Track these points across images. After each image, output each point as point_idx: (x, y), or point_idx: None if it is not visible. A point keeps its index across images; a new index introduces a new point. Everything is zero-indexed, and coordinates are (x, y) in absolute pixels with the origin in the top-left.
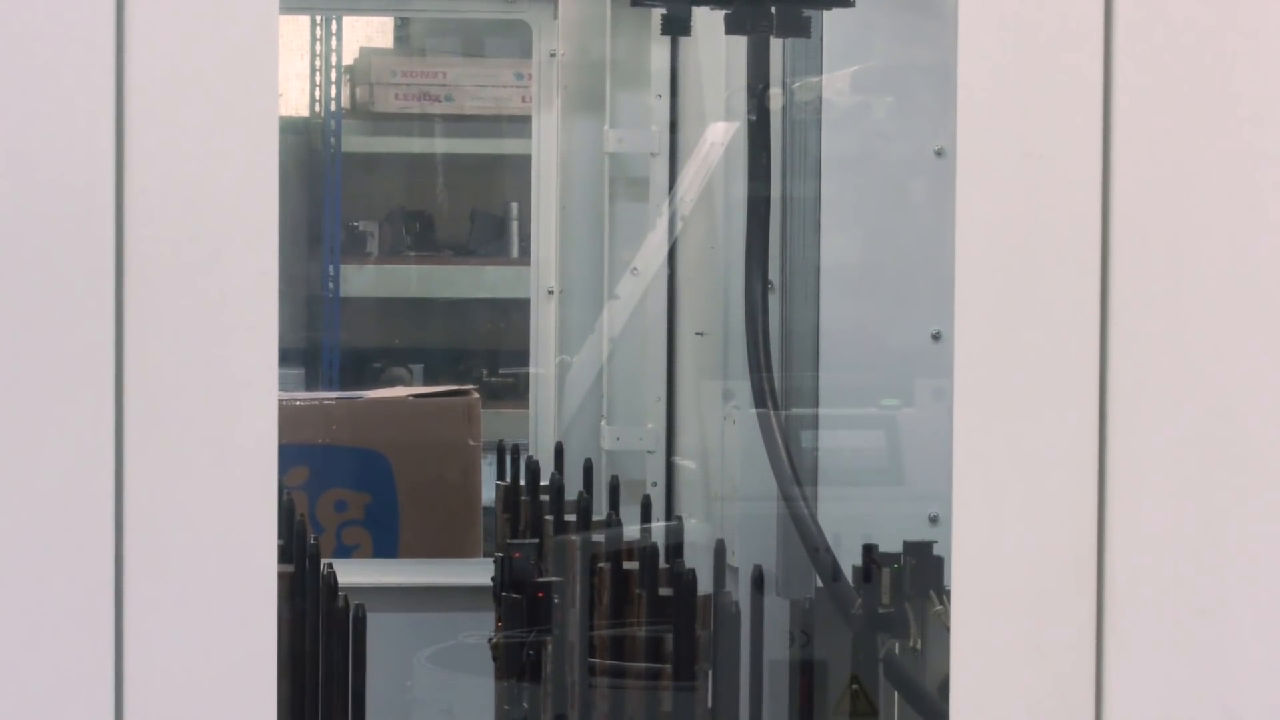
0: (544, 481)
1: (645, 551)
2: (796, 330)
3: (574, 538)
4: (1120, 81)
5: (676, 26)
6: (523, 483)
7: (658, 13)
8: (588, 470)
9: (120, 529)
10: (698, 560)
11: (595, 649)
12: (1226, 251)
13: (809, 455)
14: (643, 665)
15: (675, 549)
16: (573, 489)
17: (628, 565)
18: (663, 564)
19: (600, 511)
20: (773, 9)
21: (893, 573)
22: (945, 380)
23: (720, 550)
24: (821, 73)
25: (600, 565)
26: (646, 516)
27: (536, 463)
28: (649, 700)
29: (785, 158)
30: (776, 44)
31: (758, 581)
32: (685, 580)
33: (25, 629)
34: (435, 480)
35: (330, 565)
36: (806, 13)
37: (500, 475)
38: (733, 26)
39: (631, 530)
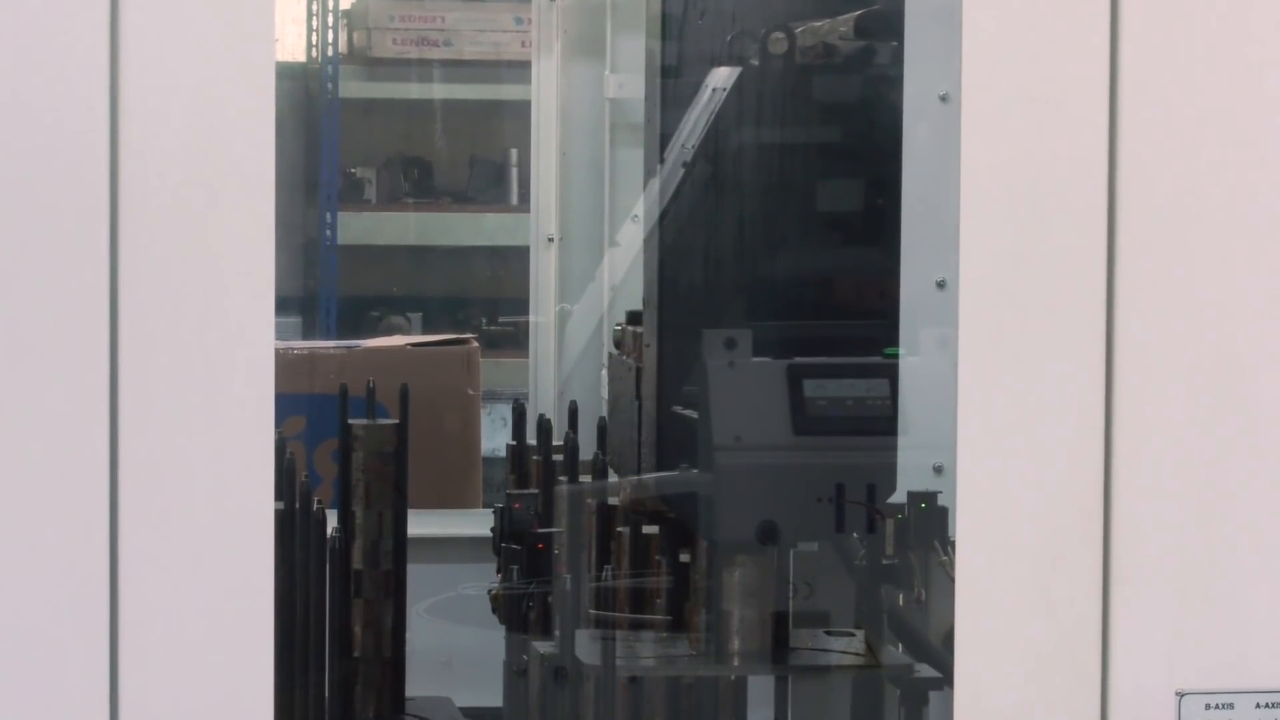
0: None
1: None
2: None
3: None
4: (1126, 25)
5: None
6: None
7: None
8: (601, 429)
9: (115, 477)
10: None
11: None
12: (1233, 196)
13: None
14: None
15: None
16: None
17: (648, 530)
18: None
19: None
20: None
21: (897, 523)
22: (949, 328)
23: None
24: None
25: (619, 530)
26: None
27: (549, 421)
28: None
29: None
30: None
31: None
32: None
33: (20, 579)
34: (434, 430)
35: (320, 502)
36: None
37: (514, 436)
38: None
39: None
